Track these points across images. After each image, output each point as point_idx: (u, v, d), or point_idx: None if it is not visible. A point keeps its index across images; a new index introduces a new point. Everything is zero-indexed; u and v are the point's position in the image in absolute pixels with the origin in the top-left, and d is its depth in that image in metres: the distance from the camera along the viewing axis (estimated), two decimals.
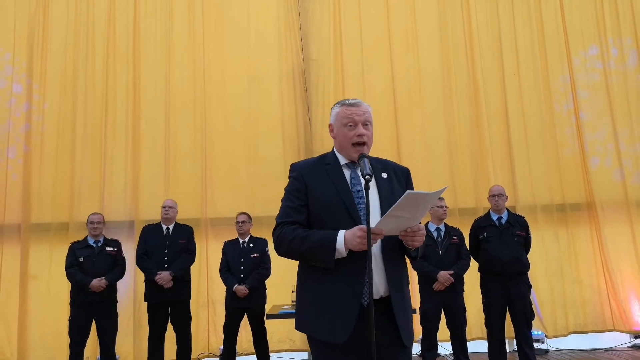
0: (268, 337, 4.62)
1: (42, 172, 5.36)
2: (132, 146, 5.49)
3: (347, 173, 1.93)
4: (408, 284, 1.97)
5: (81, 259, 4.38)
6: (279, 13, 5.91)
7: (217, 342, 5.11)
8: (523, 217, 4.61)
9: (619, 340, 5.54)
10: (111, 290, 4.42)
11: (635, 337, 5.53)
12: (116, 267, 4.50)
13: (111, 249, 4.53)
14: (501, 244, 4.36)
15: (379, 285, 1.81)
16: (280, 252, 1.91)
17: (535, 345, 4.72)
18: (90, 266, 4.36)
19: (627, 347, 5.49)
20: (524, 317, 4.30)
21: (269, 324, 4.59)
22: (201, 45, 5.73)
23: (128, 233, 5.28)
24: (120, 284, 4.61)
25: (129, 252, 4.95)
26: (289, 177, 1.99)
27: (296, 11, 5.91)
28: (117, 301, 4.50)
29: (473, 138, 5.86)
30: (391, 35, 5.97)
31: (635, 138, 6.00)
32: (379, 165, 1.98)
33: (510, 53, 6.04)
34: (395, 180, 1.96)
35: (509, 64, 6.01)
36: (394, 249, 1.87)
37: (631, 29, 6.18)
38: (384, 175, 1.95)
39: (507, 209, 4.59)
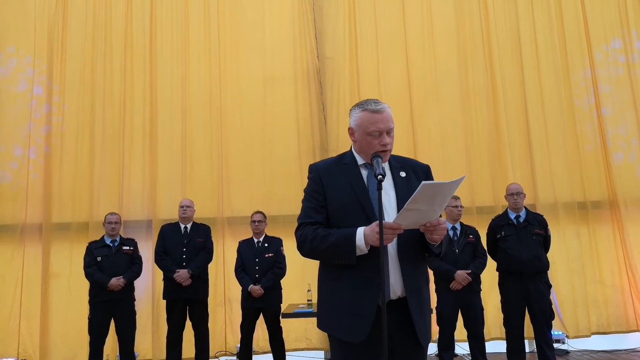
0: (284, 335, 4.64)
1: (62, 173, 5.47)
2: (150, 146, 5.56)
3: (364, 173, 1.93)
4: (428, 283, 1.96)
5: (99, 259, 4.45)
6: (293, 12, 5.90)
7: (234, 340, 5.15)
8: (542, 216, 4.53)
9: None
10: (129, 288, 4.49)
11: None
12: (133, 266, 4.56)
13: (128, 248, 4.59)
14: (519, 243, 4.30)
15: (395, 285, 1.81)
16: (303, 252, 1.93)
17: (556, 345, 4.64)
18: (108, 265, 4.43)
19: None
20: (544, 316, 4.23)
21: (285, 322, 4.61)
22: (217, 45, 5.77)
23: (146, 232, 5.36)
24: (138, 283, 4.68)
25: (147, 251, 5.02)
26: (308, 178, 1.99)
27: (311, 10, 5.89)
28: (135, 299, 4.57)
29: (491, 135, 5.77)
30: (407, 32, 5.91)
31: None
32: (398, 164, 1.98)
33: (529, 47, 5.92)
34: (415, 178, 1.94)
35: (528, 58, 5.89)
36: (412, 248, 1.86)
37: None
38: (402, 174, 1.94)
39: (526, 207, 4.51)
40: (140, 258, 4.67)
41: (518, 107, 5.83)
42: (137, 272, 4.58)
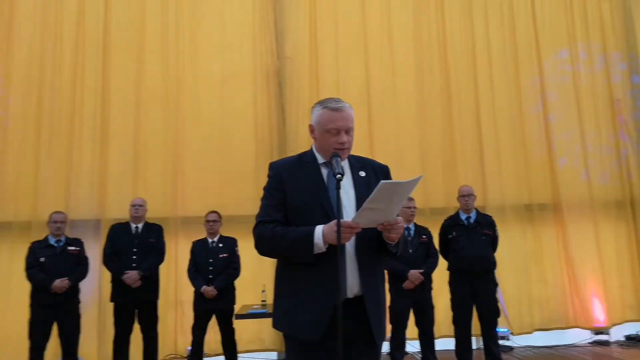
0: (237, 337, 4.59)
1: (5, 169, 5.18)
2: (100, 143, 5.35)
3: (324, 172, 1.94)
4: (384, 282, 1.99)
5: (42, 259, 4.23)
6: (254, 10, 5.84)
7: (184, 343, 5.02)
8: (490, 217, 4.69)
9: (581, 336, 5.70)
10: (74, 290, 4.30)
11: (596, 334, 5.70)
12: (79, 267, 4.38)
13: (74, 248, 4.40)
14: (469, 243, 4.44)
15: (352, 284, 1.83)
16: (261, 250, 1.91)
17: (501, 342, 4.80)
18: (52, 266, 4.22)
19: (588, 343, 5.64)
20: (490, 314, 4.38)
21: (238, 324, 4.55)
22: (174, 41, 5.63)
23: (94, 232, 5.15)
24: (84, 285, 4.49)
25: (95, 252, 4.82)
26: (268, 176, 1.98)
27: (272, 9, 5.86)
28: (79, 302, 4.39)
29: (444, 139, 5.92)
30: (367, 35, 5.97)
31: (602, 139, 6.17)
32: (358, 164, 2.00)
33: (483, 56, 6.11)
34: (374, 178, 1.96)
35: (482, 66, 6.09)
36: (369, 247, 1.88)
37: (599, 34, 6.35)
38: (362, 173, 1.97)
39: (476, 209, 4.66)
40: (86, 259, 4.49)
41: (471, 113, 6.01)
42: (83, 274, 4.40)
